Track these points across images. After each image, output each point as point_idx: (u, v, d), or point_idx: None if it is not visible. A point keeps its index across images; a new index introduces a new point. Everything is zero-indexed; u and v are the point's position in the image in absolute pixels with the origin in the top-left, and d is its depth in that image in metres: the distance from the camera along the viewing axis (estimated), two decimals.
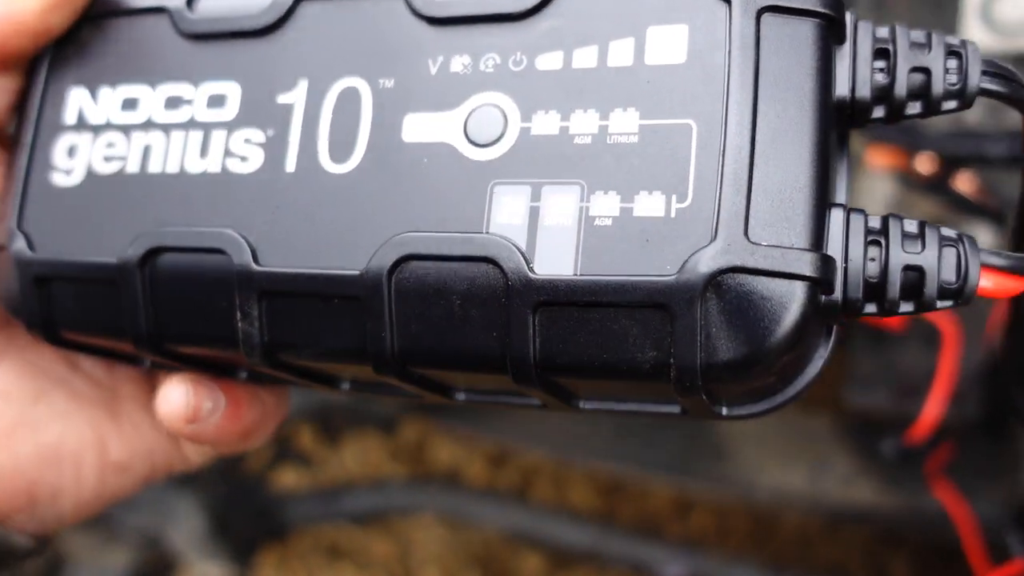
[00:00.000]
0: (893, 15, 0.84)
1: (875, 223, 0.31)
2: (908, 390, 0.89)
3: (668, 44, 0.30)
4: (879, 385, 0.90)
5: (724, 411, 0.33)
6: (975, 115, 0.86)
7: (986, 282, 0.30)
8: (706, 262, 0.28)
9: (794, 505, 1.09)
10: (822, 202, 0.29)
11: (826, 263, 0.29)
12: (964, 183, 0.79)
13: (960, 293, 0.30)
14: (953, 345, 0.80)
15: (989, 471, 0.95)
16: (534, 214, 0.30)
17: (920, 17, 0.84)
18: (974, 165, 0.79)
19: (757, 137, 0.29)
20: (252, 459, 1.38)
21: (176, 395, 0.38)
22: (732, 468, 1.10)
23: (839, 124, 0.32)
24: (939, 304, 0.30)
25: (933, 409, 0.79)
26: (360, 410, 1.27)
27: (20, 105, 0.40)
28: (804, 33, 0.30)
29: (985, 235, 0.81)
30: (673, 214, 0.29)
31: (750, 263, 0.28)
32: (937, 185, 0.78)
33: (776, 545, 1.23)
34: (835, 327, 0.33)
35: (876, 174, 0.80)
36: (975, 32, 0.83)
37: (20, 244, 0.37)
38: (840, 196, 0.33)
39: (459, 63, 0.33)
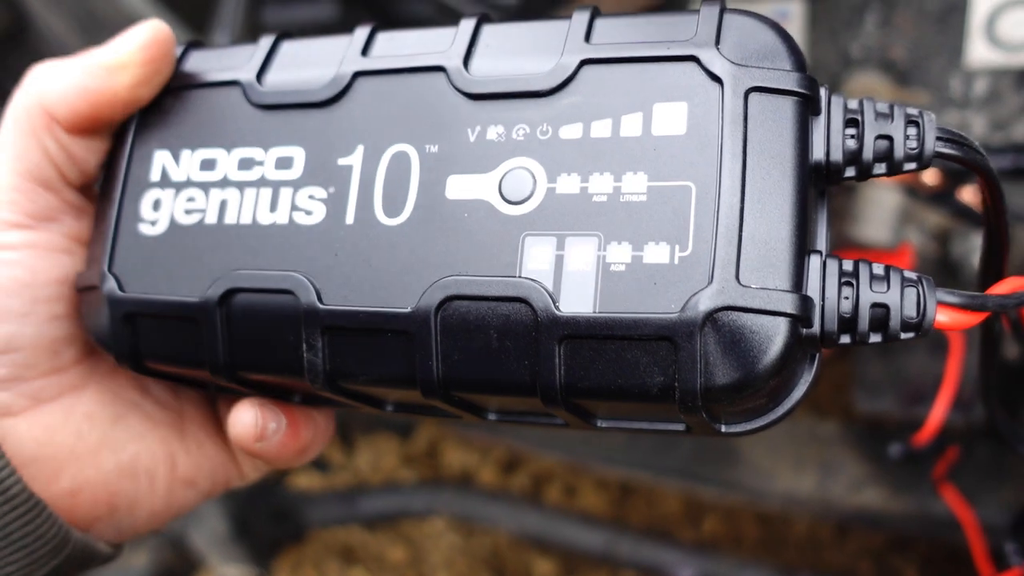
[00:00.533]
0: (900, 32, 0.88)
1: (848, 266, 0.36)
2: (915, 396, 0.94)
3: (671, 118, 0.36)
4: (887, 391, 0.94)
5: (723, 428, 0.39)
6: (979, 129, 0.91)
7: (942, 317, 0.36)
8: (704, 302, 0.34)
9: (804, 510, 1.12)
10: (802, 250, 0.35)
11: (805, 302, 0.34)
12: (968, 195, 0.83)
13: (920, 326, 0.36)
14: (958, 352, 0.84)
15: (995, 476, 0.98)
16: (559, 261, 0.36)
17: (926, 35, 0.87)
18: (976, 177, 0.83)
19: (746, 196, 0.35)
20: None
21: (247, 417, 0.44)
22: (742, 473, 1.14)
23: (817, 183, 0.38)
24: (903, 336, 0.36)
25: (938, 413, 0.83)
26: (375, 417, 1.32)
27: (107, 164, 0.46)
28: (785, 108, 0.36)
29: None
30: (676, 261, 0.35)
31: (740, 303, 0.34)
32: (942, 197, 0.82)
33: (787, 550, 1.26)
34: (817, 355, 0.38)
35: (885, 186, 0.84)
36: (980, 48, 0.87)
37: (111, 285, 0.43)
38: (820, 243, 0.39)
39: (494, 132, 0.38)
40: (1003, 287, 0.39)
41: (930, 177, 0.81)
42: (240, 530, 1.26)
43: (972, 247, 0.85)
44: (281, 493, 1.36)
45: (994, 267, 0.43)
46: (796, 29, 0.90)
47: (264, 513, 1.31)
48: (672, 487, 1.29)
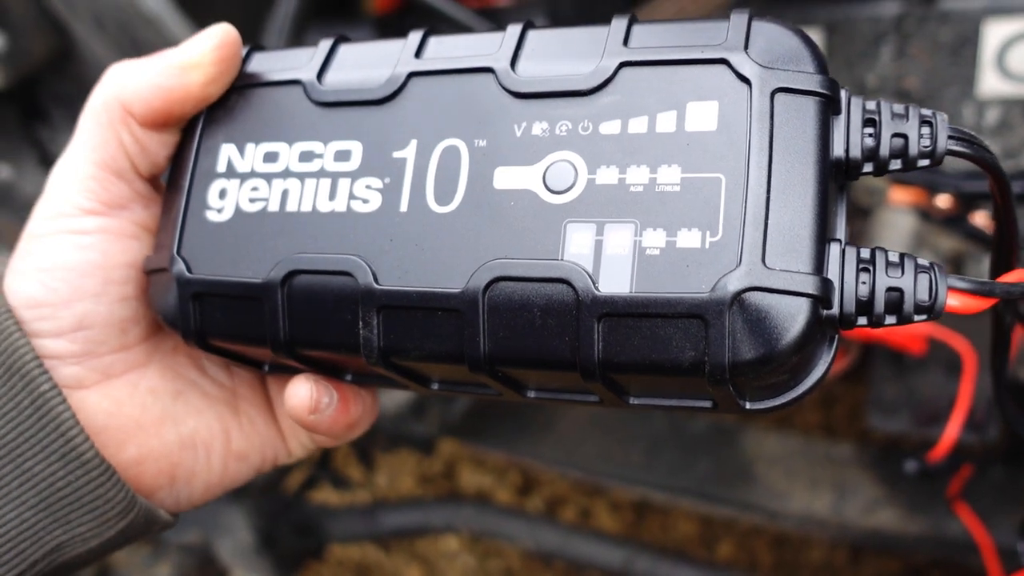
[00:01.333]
0: (916, 63, 0.92)
1: (865, 254, 0.39)
2: (930, 417, 0.96)
3: (703, 115, 0.40)
4: (902, 411, 0.97)
5: (747, 405, 0.42)
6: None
7: (953, 301, 0.39)
8: (733, 283, 0.37)
9: (819, 531, 1.14)
10: (822, 237, 0.38)
11: (825, 284, 0.37)
12: (980, 219, 0.86)
13: (932, 309, 0.38)
14: (971, 372, 0.86)
15: (1010, 498, 1.00)
16: (599, 246, 0.39)
17: (939, 66, 0.91)
18: (989, 201, 0.86)
19: (772, 187, 0.38)
20: (293, 479, 1.45)
21: (303, 391, 0.47)
22: (758, 494, 1.15)
23: (837, 177, 0.41)
24: (916, 318, 0.39)
25: (952, 430, 0.85)
26: (395, 435, 1.35)
27: (175, 156, 0.50)
28: (808, 108, 0.39)
29: None
30: (707, 246, 0.38)
31: (766, 284, 0.37)
32: (955, 221, 0.85)
33: (802, 573, 1.27)
34: (836, 337, 0.41)
35: (899, 210, 0.87)
36: (991, 79, 0.90)
37: (180, 267, 0.47)
38: (840, 233, 0.42)
39: (539, 128, 0.42)
40: (1011, 276, 0.42)
41: (943, 201, 0.83)
42: (265, 542, 1.29)
43: (985, 271, 0.88)
44: (304, 507, 1.39)
45: (1004, 259, 0.46)
46: None
47: (288, 526, 1.34)
48: (688, 507, 1.30)
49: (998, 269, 0.46)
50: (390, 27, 1.08)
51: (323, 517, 1.34)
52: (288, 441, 0.56)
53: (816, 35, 0.92)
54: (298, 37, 0.86)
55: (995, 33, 0.87)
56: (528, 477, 1.74)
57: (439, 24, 0.96)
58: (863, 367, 1.04)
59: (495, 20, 1.01)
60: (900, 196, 0.83)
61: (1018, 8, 0.86)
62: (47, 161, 1.06)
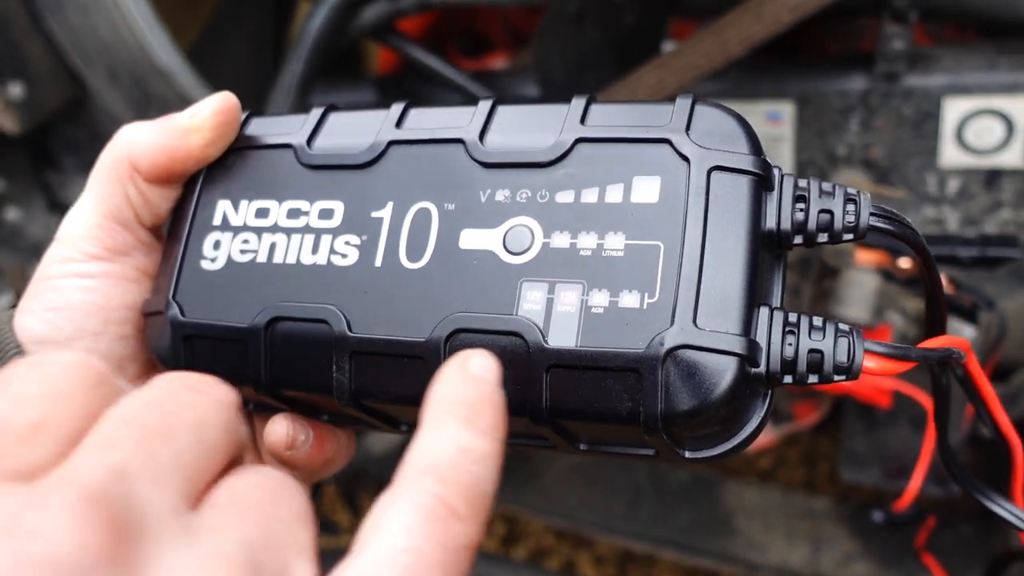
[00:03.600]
0: (881, 135, 0.97)
1: (793, 318, 0.43)
2: (898, 469, 0.99)
3: (647, 189, 0.44)
4: (872, 464, 1.00)
5: (686, 454, 0.45)
6: (953, 223, 0.99)
7: (870, 363, 0.43)
8: (665, 340, 0.41)
9: None
10: (752, 301, 0.42)
11: (751, 345, 0.41)
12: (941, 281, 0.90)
13: (850, 370, 0.42)
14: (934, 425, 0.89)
15: (980, 554, 1.02)
16: (550, 303, 0.43)
17: (903, 138, 0.97)
18: (949, 265, 0.90)
19: (705, 255, 0.42)
20: None
21: (280, 428, 0.51)
22: (737, 545, 1.18)
23: (771, 248, 0.45)
24: (836, 378, 0.43)
25: (915, 483, 0.88)
26: (382, 480, 1.37)
27: (176, 209, 0.55)
28: (741, 185, 0.43)
29: (958, 325, 0.92)
30: (645, 306, 0.42)
31: (696, 342, 0.41)
32: (917, 281, 0.89)
33: None
34: (769, 393, 0.45)
35: (865, 271, 0.92)
36: (951, 151, 0.96)
37: (175, 311, 0.51)
38: (775, 298, 0.46)
39: (502, 194, 0.46)
40: (930, 343, 0.46)
41: (905, 263, 0.88)
42: None
43: (951, 331, 0.91)
44: None
45: (936, 327, 0.49)
46: (787, 129, 0.99)
47: None
48: (670, 560, 1.32)
49: (930, 334, 0.50)
50: (390, 88, 1.14)
51: None
52: None
53: (789, 107, 0.97)
54: (304, 96, 0.91)
55: (954, 109, 0.92)
56: (513, 528, 1.76)
57: (435, 86, 1.02)
58: (835, 421, 1.07)
59: (489, 82, 1.07)
60: (865, 258, 0.87)
61: (974, 88, 0.92)
62: (55, 205, 1.11)
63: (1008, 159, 0.94)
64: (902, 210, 0.98)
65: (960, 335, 0.90)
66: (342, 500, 1.60)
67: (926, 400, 0.90)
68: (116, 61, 0.95)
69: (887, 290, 0.87)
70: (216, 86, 1.03)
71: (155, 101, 0.94)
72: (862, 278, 0.86)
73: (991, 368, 0.89)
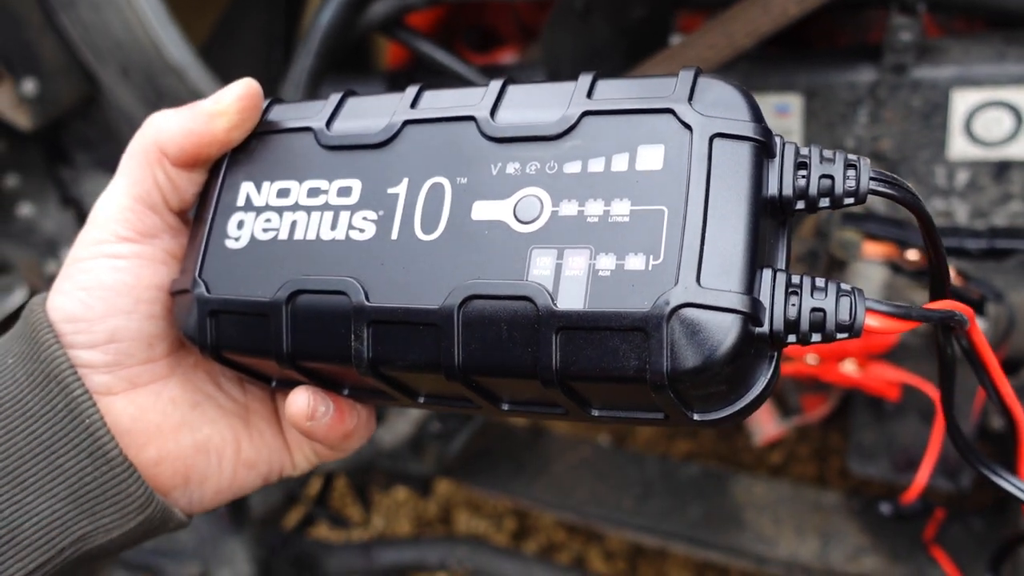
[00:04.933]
0: (890, 127, 0.98)
1: (796, 279, 0.44)
2: (907, 462, 0.99)
3: (651, 157, 0.45)
4: (881, 457, 1.00)
5: (695, 416, 0.46)
6: (963, 216, 0.99)
7: (872, 321, 0.44)
8: (670, 299, 0.42)
9: None
10: (754, 262, 0.43)
11: (754, 303, 0.42)
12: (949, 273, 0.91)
13: (852, 328, 0.43)
14: (944, 419, 0.90)
15: (990, 547, 1.02)
16: (558, 268, 0.45)
17: (912, 130, 0.97)
18: (956, 257, 0.90)
19: (708, 218, 0.43)
20: (292, 516, 1.49)
21: (301, 399, 0.53)
22: (746, 540, 1.18)
23: (775, 214, 0.46)
24: (838, 336, 0.44)
25: (923, 475, 0.89)
26: (392, 473, 1.38)
27: (202, 193, 0.57)
28: (742, 151, 0.44)
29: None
30: (650, 268, 0.43)
31: (699, 300, 0.42)
32: (924, 273, 0.90)
33: None
34: (775, 356, 0.46)
35: (873, 263, 0.92)
36: (960, 143, 0.96)
37: (201, 288, 0.53)
38: (780, 263, 0.47)
39: (512, 167, 0.48)
40: (935, 305, 0.47)
41: (913, 255, 0.88)
42: (263, 574, 1.33)
43: None
44: (302, 542, 1.43)
45: (938, 291, 0.50)
46: (796, 121, 1.00)
47: (286, 560, 1.38)
48: (681, 555, 1.32)
49: (934, 298, 0.51)
50: (400, 82, 1.16)
51: (320, 552, 1.37)
52: (294, 454, 0.61)
53: (798, 99, 0.98)
54: (314, 90, 0.93)
55: (963, 101, 0.93)
56: (524, 523, 1.76)
57: (444, 80, 1.04)
58: (844, 416, 1.07)
59: (498, 77, 1.09)
60: (873, 250, 0.88)
61: (983, 79, 0.92)
62: (68, 201, 1.13)
63: (1017, 151, 0.95)
64: None
65: None
66: (353, 494, 1.61)
67: (934, 392, 0.90)
68: (128, 58, 0.97)
69: (895, 282, 0.88)
70: (228, 82, 1.05)
71: (167, 97, 0.97)
72: (870, 270, 0.87)
73: (1000, 360, 0.88)
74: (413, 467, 1.28)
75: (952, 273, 0.89)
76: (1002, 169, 0.96)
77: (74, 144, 1.10)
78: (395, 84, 1.17)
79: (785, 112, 0.98)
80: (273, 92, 0.97)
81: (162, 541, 1.25)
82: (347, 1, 0.91)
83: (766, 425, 1.05)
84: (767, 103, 0.99)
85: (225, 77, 1.02)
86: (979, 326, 0.49)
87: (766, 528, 1.14)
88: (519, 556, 1.28)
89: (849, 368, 0.91)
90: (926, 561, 0.98)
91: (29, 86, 1.05)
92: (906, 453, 0.95)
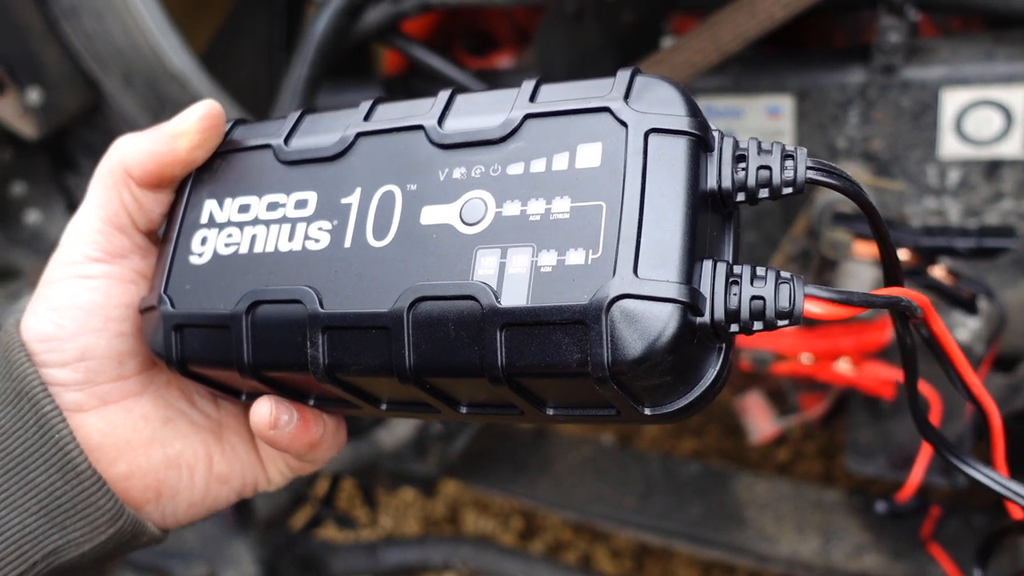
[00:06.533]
0: (880, 127, 0.98)
1: (737, 269, 0.45)
2: (904, 460, 0.98)
3: (589, 155, 0.46)
4: (877, 455, 0.99)
5: (646, 411, 0.47)
6: (955, 215, 0.99)
7: (813, 307, 0.44)
8: (608, 291, 0.43)
9: (807, 574, 1.15)
10: (692, 253, 0.44)
11: (692, 292, 0.43)
12: (939, 272, 0.90)
13: (791, 314, 0.43)
14: (938, 417, 0.89)
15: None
16: (502, 267, 0.46)
17: (902, 130, 0.97)
18: (947, 256, 0.90)
19: (644, 211, 0.44)
20: (299, 517, 1.49)
21: (264, 408, 0.53)
22: (748, 538, 1.17)
23: (717, 207, 0.47)
24: (779, 323, 0.44)
25: (917, 473, 0.88)
26: (396, 474, 1.39)
27: (169, 214, 0.58)
28: (678, 145, 0.45)
29: (959, 316, 0.92)
30: (590, 262, 0.44)
31: (636, 291, 0.42)
32: (915, 273, 0.90)
33: None
34: (723, 348, 0.46)
35: (863, 262, 0.92)
36: (951, 143, 0.96)
37: (166, 304, 0.54)
38: (726, 254, 0.47)
39: (458, 172, 0.49)
40: (880, 291, 0.47)
41: (904, 255, 0.88)
42: (268, 575, 1.33)
43: (950, 323, 0.91)
44: (308, 542, 1.43)
45: (892, 278, 0.50)
46: (787, 123, 1.01)
47: (292, 560, 1.38)
48: (686, 554, 1.31)
49: (887, 285, 0.51)
50: (397, 88, 1.18)
51: (326, 552, 1.37)
52: (268, 468, 0.62)
53: (789, 100, 0.99)
54: (310, 97, 0.95)
55: (952, 101, 0.93)
56: (531, 522, 1.75)
57: (440, 85, 1.06)
58: (840, 413, 1.07)
59: (494, 81, 1.11)
60: (863, 250, 0.88)
61: (972, 79, 0.92)
62: (74, 208, 1.15)
63: (1008, 149, 0.95)
64: (903, 202, 0.98)
65: (962, 327, 0.89)
66: (360, 496, 1.61)
67: (930, 392, 0.89)
68: (130, 66, 0.99)
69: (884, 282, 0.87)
70: (229, 89, 1.07)
71: (170, 104, 0.98)
72: (860, 270, 0.87)
73: (992, 358, 0.88)
74: (417, 468, 1.29)
75: (943, 272, 0.89)
76: (993, 168, 0.96)
77: (79, 151, 1.12)
78: (392, 91, 1.18)
79: (776, 114, 0.99)
80: (272, 99, 0.98)
81: (169, 542, 1.26)
82: (342, 9, 0.93)
83: (763, 424, 1.05)
84: (758, 105, 1.00)
85: (227, 84, 1.05)
86: (934, 312, 0.49)
87: (767, 526, 1.13)
88: (523, 556, 1.28)
89: (844, 367, 0.91)
90: (927, 559, 0.97)
91: (34, 95, 1.07)
92: (903, 451, 0.94)
